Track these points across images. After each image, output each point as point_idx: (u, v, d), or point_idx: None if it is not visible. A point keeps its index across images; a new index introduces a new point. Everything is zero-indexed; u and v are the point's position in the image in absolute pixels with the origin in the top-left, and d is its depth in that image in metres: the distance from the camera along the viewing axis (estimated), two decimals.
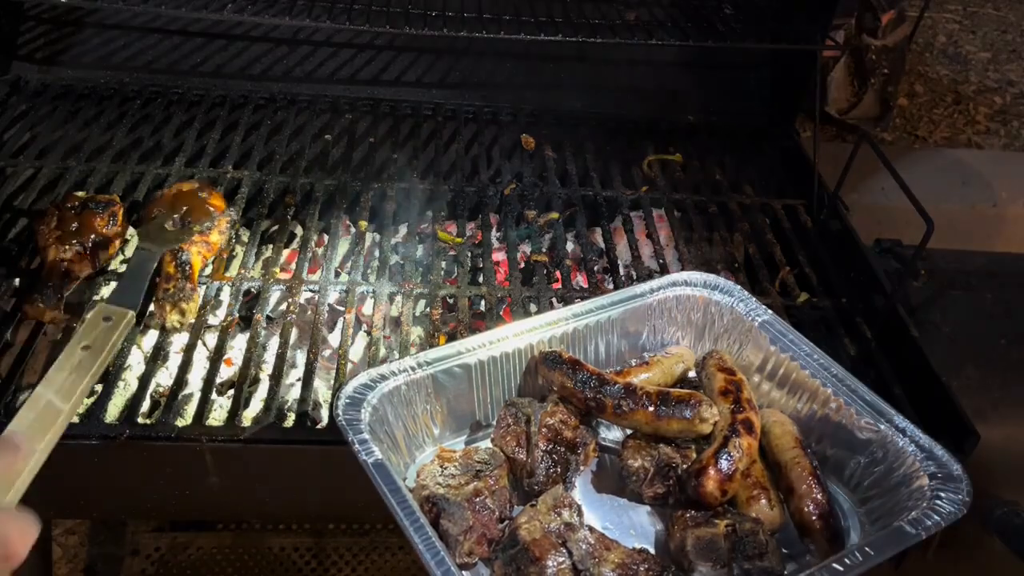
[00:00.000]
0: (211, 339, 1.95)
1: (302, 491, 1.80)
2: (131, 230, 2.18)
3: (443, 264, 2.19)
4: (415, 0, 2.58)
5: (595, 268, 2.26)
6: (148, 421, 1.72)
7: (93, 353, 1.49)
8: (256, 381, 1.92)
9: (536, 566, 1.30)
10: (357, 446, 1.41)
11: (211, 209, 2.09)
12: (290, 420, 1.75)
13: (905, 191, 1.95)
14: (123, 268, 2.05)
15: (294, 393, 1.85)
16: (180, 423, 1.71)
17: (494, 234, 2.31)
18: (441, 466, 1.49)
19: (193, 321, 1.91)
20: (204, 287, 2.02)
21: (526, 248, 2.31)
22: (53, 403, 1.37)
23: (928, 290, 2.24)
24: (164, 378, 1.92)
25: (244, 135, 2.56)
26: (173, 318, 1.88)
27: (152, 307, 1.89)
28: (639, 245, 2.30)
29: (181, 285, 1.89)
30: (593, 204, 2.46)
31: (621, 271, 2.24)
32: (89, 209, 2.03)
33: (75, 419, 1.69)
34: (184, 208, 2.06)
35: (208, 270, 2.05)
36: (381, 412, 1.51)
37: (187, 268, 1.92)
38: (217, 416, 1.82)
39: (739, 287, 1.82)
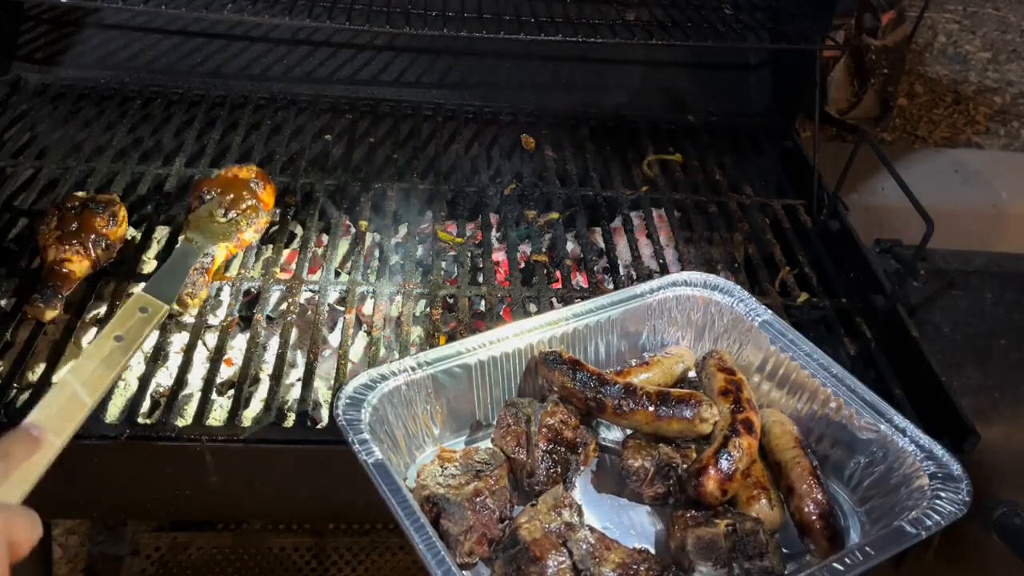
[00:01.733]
0: (211, 339, 1.95)
1: (302, 491, 1.80)
2: (131, 231, 2.18)
3: (443, 264, 2.19)
4: (415, 0, 2.58)
5: (595, 268, 2.26)
6: (148, 421, 1.72)
7: (125, 346, 1.44)
8: (256, 381, 1.92)
9: (536, 566, 1.30)
10: (357, 446, 1.41)
11: (258, 206, 2.05)
12: (290, 420, 1.75)
13: (905, 191, 1.95)
14: (123, 268, 2.06)
15: (294, 393, 1.85)
16: (180, 423, 1.71)
17: (494, 234, 2.31)
18: (441, 466, 1.49)
19: (194, 314, 1.91)
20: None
21: (526, 248, 2.31)
22: (78, 395, 1.32)
23: (928, 290, 2.24)
24: (164, 378, 1.92)
25: (244, 135, 2.56)
26: (175, 307, 1.85)
27: None
28: (639, 245, 2.30)
29: (194, 279, 1.89)
30: (593, 204, 2.46)
31: (621, 271, 2.24)
32: (89, 209, 2.03)
33: None
34: (232, 197, 2.03)
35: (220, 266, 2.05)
36: (381, 412, 1.51)
37: (207, 264, 1.92)
38: (217, 416, 1.82)
39: (739, 287, 1.82)
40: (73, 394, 1.32)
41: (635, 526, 1.53)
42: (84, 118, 2.58)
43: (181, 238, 1.95)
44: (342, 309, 2.04)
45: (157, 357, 1.84)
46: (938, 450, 1.48)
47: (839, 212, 2.40)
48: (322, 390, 1.92)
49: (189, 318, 2.00)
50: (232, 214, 2.00)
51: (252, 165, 2.14)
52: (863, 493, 1.56)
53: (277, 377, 1.81)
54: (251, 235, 2.03)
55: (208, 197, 2.04)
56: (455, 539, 1.38)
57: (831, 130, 3.77)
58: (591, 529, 1.40)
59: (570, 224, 2.42)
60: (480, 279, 2.17)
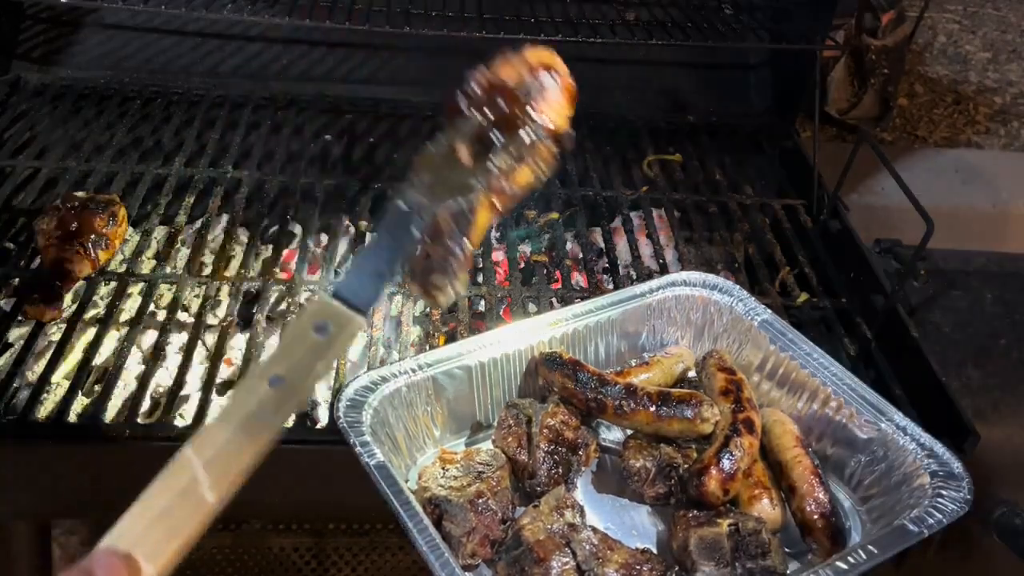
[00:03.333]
0: (211, 339, 1.95)
1: (302, 491, 1.80)
2: (130, 230, 2.18)
3: None
4: (415, 0, 2.58)
5: (595, 268, 2.26)
6: (148, 421, 1.71)
7: (285, 392, 0.97)
8: None
9: (540, 567, 1.30)
10: (359, 448, 1.40)
11: (540, 118, 1.19)
12: (290, 420, 1.75)
13: (905, 191, 1.95)
14: (123, 268, 2.05)
15: None
16: (180, 423, 1.70)
17: (494, 234, 2.31)
18: (443, 468, 1.49)
19: (445, 306, 1.34)
20: (204, 287, 2.01)
21: (526, 248, 2.31)
22: (199, 487, 0.88)
23: (928, 290, 2.25)
24: (164, 378, 1.91)
25: (244, 134, 2.56)
26: (436, 299, 1.24)
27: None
28: (639, 245, 2.30)
29: (452, 248, 1.20)
30: (593, 204, 2.46)
31: (621, 271, 2.24)
32: (89, 209, 2.03)
33: (74, 419, 1.70)
34: (504, 107, 1.19)
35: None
36: (382, 414, 1.51)
37: (466, 225, 1.21)
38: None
39: (738, 287, 1.82)
40: (191, 485, 0.88)
41: (637, 527, 1.53)
42: (84, 118, 2.57)
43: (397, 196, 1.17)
44: None
45: (157, 357, 1.83)
46: (939, 448, 1.48)
47: (839, 212, 2.40)
48: (321, 390, 1.92)
49: (189, 318, 2.00)
50: (505, 156, 1.18)
51: (544, 50, 1.28)
52: (864, 492, 1.56)
53: None
54: (538, 167, 1.22)
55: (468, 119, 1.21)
56: (457, 541, 1.38)
57: (831, 130, 3.76)
58: (594, 530, 1.40)
59: (570, 224, 2.42)
60: (480, 279, 2.17)
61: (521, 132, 1.16)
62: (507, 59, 1.23)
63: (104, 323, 1.90)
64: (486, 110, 1.17)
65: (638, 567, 1.34)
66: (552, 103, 1.21)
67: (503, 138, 1.16)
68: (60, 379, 1.84)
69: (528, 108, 1.17)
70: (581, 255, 2.27)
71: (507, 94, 1.18)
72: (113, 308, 1.94)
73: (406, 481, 1.51)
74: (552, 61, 1.23)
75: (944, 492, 1.41)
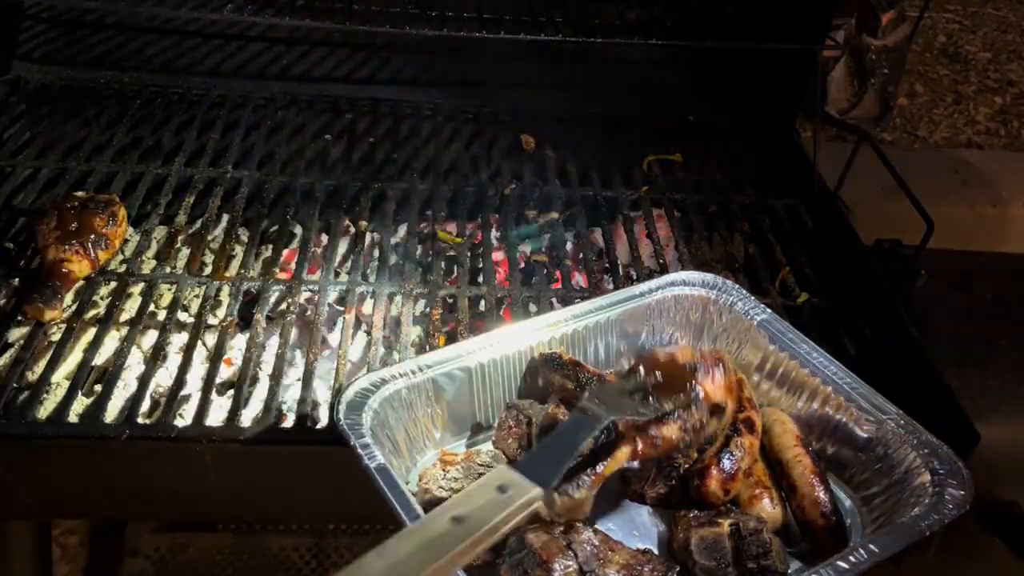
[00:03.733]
0: (211, 339, 1.95)
1: (302, 491, 1.80)
2: (130, 230, 2.18)
3: (443, 264, 2.19)
4: (415, 0, 2.58)
5: (595, 268, 2.26)
6: (148, 421, 1.71)
7: (464, 531, 1.04)
8: (256, 381, 1.92)
9: (543, 569, 1.30)
10: (360, 450, 1.40)
11: (699, 388, 1.44)
12: (290, 420, 1.75)
13: (905, 191, 1.95)
14: (123, 268, 2.06)
15: (294, 393, 1.85)
16: (180, 423, 1.70)
17: (494, 234, 2.31)
18: (443, 469, 1.49)
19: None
20: (204, 287, 2.02)
21: (526, 248, 2.31)
22: None
23: (928, 290, 2.24)
24: (164, 378, 1.91)
25: (244, 134, 2.56)
26: (555, 502, 1.36)
27: None
28: (639, 245, 2.30)
29: (581, 480, 1.35)
30: (593, 204, 2.46)
31: (621, 271, 2.24)
32: (89, 209, 2.03)
33: (74, 419, 1.70)
34: (673, 373, 1.45)
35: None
36: (382, 416, 1.50)
37: (605, 454, 1.40)
38: (217, 416, 1.81)
39: (737, 287, 1.82)
40: None
41: (637, 527, 1.53)
42: (84, 118, 2.57)
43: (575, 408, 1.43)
44: (341, 309, 2.04)
45: (157, 357, 1.83)
46: (939, 447, 1.48)
47: (839, 212, 2.40)
48: (321, 390, 1.92)
49: (189, 318, 2.00)
50: (659, 405, 1.43)
51: (715, 349, 1.61)
52: (864, 491, 1.56)
53: (276, 377, 1.81)
54: (678, 432, 1.43)
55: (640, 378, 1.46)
56: None
57: (831, 130, 3.77)
58: (595, 530, 1.40)
59: (570, 224, 2.42)
60: (480, 279, 2.17)
61: (680, 395, 1.43)
62: (683, 347, 1.58)
63: (104, 323, 1.90)
64: (657, 373, 1.45)
65: (639, 568, 1.34)
66: (712, 381, 1.47)
67: (665, 394, 1.43)
68: (60, 379, 1.84)
69: (692, 380, 1.44)
70: (581, 255, 2.27)
71: (677, 367, 1.47)
72: (113, 308, 1.94)
73: (407, 483, 1.51)
74: (721, 356, 1.52)
75: (944, 491, 1.41)
